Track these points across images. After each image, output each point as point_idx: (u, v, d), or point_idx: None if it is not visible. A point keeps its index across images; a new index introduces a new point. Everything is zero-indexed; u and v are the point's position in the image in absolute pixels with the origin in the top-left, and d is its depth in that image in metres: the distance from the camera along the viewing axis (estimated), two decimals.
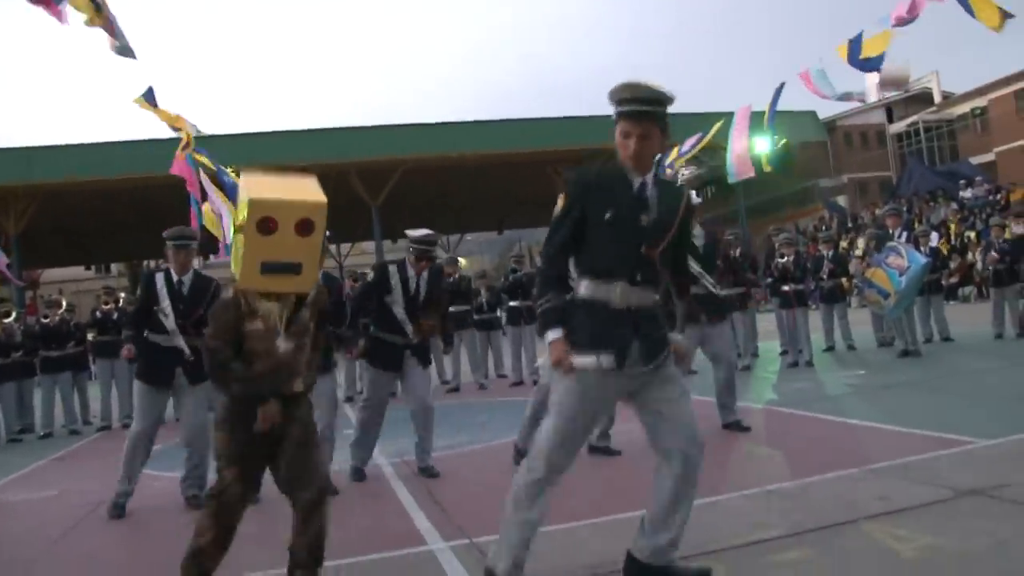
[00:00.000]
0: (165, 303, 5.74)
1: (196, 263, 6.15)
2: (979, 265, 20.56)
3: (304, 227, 3.42)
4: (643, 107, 3.13)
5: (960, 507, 3.90)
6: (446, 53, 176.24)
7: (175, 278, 5.81)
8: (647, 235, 3.18)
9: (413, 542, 4.29)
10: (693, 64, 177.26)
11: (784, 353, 11.97)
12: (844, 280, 13.20)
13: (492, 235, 49.68)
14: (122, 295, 15.59)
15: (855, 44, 8.59)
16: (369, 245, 32.53)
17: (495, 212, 40.03)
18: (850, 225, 32.31)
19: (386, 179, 29.67)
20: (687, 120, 27.18)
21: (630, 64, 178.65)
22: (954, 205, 28.60)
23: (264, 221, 3.39)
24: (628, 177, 3.21)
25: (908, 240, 11.06)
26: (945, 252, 18.27)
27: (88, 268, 52.76)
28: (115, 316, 12.12)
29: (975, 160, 35.81)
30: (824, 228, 31.97)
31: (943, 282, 13.69)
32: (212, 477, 3.67)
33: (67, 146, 26.18)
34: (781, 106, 11.09)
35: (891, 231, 11.49)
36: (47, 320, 12.20)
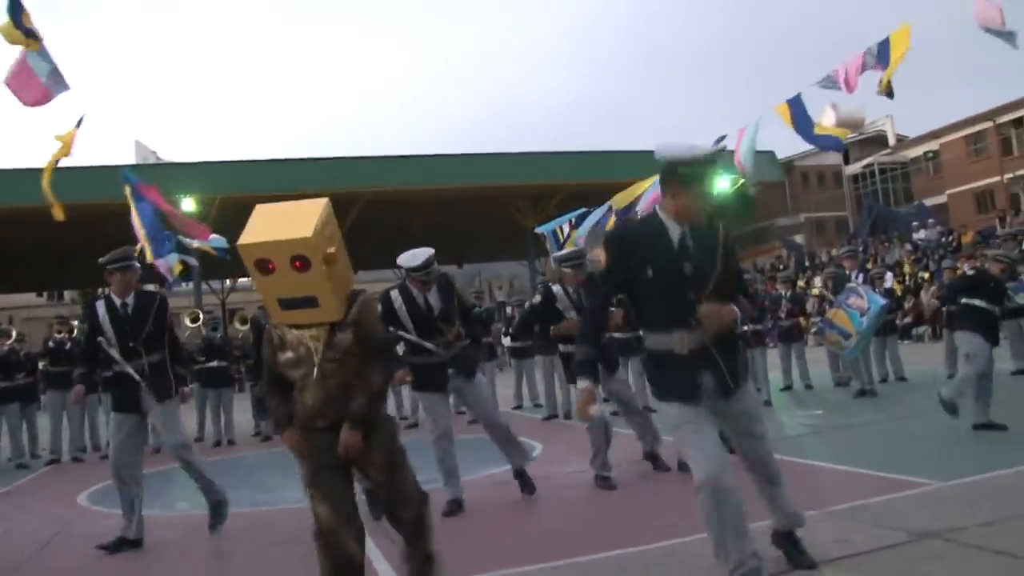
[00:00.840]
0: (109, 332, 5.63)
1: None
2: (924, 305, 21.03)
3: (300, 263, 3.36)
4: (695, 171, 3.38)
5: (917, 550, 3.92)
6: (407, 85, 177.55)
7: (117, 302, 5.69)
8: (692, 283, 3.37)
9: None
10: (664, 98, 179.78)
11: None
12: (802, 319, 13.34)
13: (452, 268, 49.70)
14: (75, 323, 15.28)
15: (796, 105, 8.67)
16: None
17: (456, 246, 40.03)
18: (807, 264, 32.81)
19: (346, 212, 29.57)
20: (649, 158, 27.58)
21: (596, 99, 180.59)
22: (908, 246, 29.18)
23: (260, 263, 3.38)
24: (666, 229, 3.42)
25: (864, 280, 11.23)
26: (899, 292, 18.61)
27: (40, 295, 51.75)
28: (68, 346, 11.87)
29: (928, 202, 36.65)
30: (782, 267, 32.43)
31: (897, 322, 13.92)
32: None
33: (13, 171, 25.69)
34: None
35: (848, 272, 11.67)
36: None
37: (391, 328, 5.90)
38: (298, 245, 3.33)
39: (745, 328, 11.69)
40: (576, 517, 5.65)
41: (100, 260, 5.75)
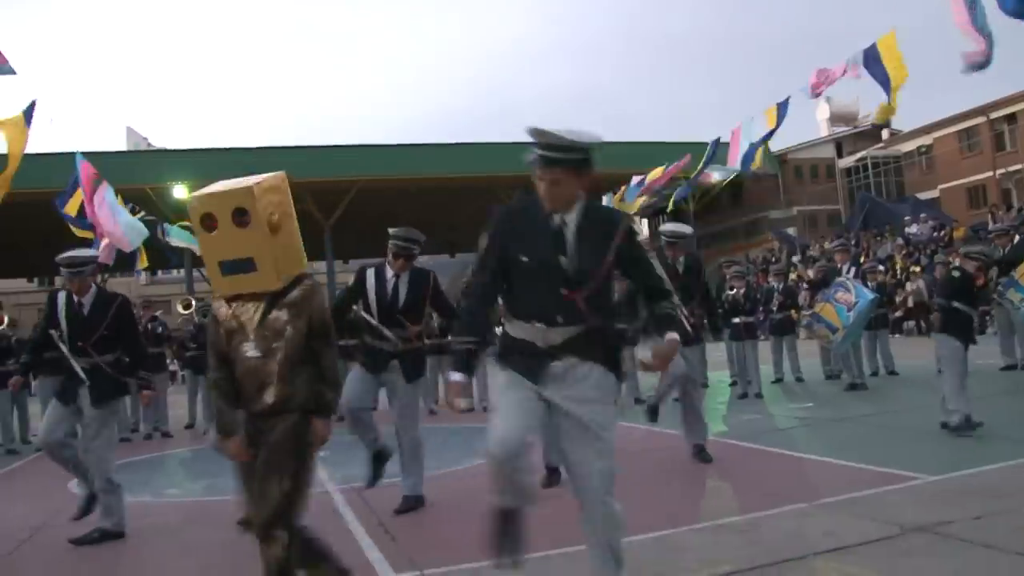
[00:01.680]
0: (63, 326, 5.59)
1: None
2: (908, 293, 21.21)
3: (240, 217, 3.37)
4: (552, 154, 3.03)
5: (908, 544, 3.94)
6: (397, 72, 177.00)
7: (76, 299, 5.64)
8: (565, 278, 3.07)
9: (362, 573, 4.22)
10: (649, 85, 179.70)
11: (733, 384, 12.08)
12: (793, 312, 13.38)
13: (444, 258, 49.65)
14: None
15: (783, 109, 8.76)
16: (321, 265, 32.39)
17: (448, 235, 40.01)
18: (799, 257, 32.87)
19: (339, 200, 29.54)
20: (651, 149, 27.51)
21: (586, 86, 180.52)
22: (899, 240, 29.25)
23: (205, 219, 3.41)
24: (547, 215, 3.12)
25: (856, 275, 11.26)
26: (887, 286, 18.66)
27: (31, 280, 51.51)
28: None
29: (921, 196, 36.74)
30: (774, 260, 32.47)
31: (889, 316, 13.95)
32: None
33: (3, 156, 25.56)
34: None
35: (839, 266, 11.71)
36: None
37: (355, 306, 5.90)
38: (239, 196, 3.38)
39: (737, 320, 11.75)
40: (562, 506, 5.64)
41: (56, 259, 5.63)
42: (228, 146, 31.06)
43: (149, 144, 43.68)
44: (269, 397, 3.36)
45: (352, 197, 29.34)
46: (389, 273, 5.88)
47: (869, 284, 11.37)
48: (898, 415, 8.61)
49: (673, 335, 3.18)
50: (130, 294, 7.55)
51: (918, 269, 24.58)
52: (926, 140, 39.88)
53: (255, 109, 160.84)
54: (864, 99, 42.17)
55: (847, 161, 43.77)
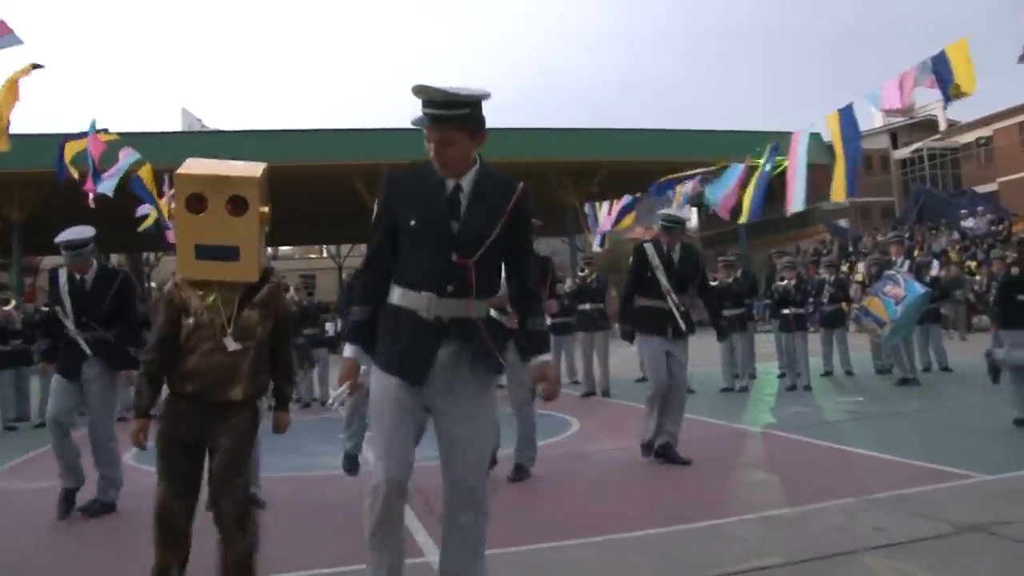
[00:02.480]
0: (66, 303, 5.65)
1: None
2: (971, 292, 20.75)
3: (236, 205, 3.30)
4: (439, 111, 2.88)
5: (961, 543, 3.88)
6: (451, 58, 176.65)
7: (77, 276, 5.70)
8: (457, 243, 2.93)
9: (411, 553, 4.26)
10: (708, 74, 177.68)
11: (782, 376, 11.97)
12: (844, 304, 13.22)
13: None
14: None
15: (847, 116, 8.53)
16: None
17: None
18: (851, 249, 32.37)
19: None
20: (731, 137, 27.18)
21: (641, 74, 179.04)
22: (955, 234, 28.67)
23: (192, 198, 3.28)
24: (441, 180, 2.97)
25: (909, 268, 11.07)
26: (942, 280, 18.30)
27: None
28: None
29: (978, 189, 35.94)
30: (826, 251, 32.01)
31: (942, 311, 13.71)
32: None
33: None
34: (786, 128, 11.02)
35: (894, 259, 11.53)
36: (47, 308, 12.08)
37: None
38: (241, 184, 3.31)
39: (786, 312, 11.63)
40: (614, 494, 5.66)
41: (56, 240, 5.63)
42: (284, 128, 31.30)
43: (203, 125, 44.22)
44: (237, 393, 3.35)
45: None
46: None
47: (925, 277, 11.17)
48: (951, 412, 8.48)
49: (546, 357, 3.10)
50: None
51: (974, 264, 24.08)
52: (985, 132, 38.94)
53: (313, 91, 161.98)
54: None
55: (902, 152, 42.92)
